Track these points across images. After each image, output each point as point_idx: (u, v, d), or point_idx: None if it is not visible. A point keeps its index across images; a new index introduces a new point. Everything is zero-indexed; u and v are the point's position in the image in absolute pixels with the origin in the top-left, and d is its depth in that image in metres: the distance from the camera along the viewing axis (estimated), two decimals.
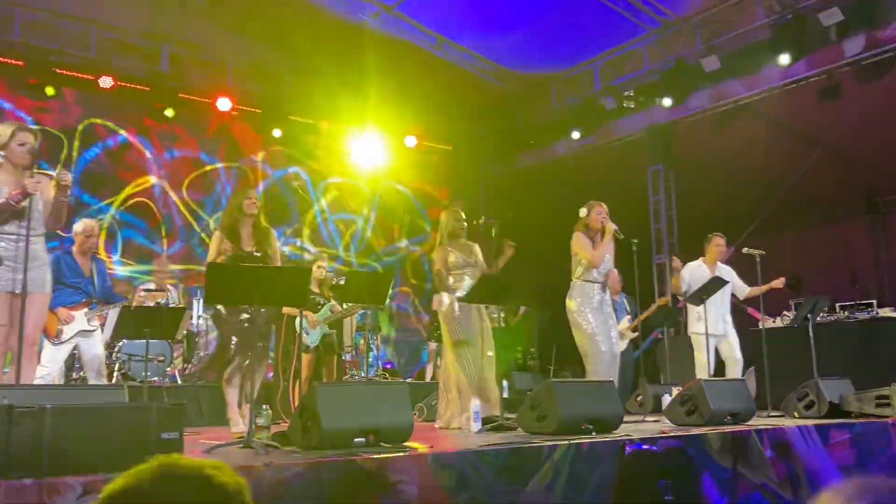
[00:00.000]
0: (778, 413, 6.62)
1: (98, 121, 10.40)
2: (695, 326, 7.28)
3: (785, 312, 8.52)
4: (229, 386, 5.29)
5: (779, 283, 7.32)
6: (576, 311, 6.14)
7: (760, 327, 7.61)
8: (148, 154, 10.79)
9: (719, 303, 7.25)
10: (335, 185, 12.43)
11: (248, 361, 5.20)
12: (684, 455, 4.44)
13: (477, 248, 6.30)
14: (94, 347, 6.05)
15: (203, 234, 10.87)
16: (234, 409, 5.31)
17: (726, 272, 7.50)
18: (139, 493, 1.15)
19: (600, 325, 6.10)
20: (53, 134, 9.90)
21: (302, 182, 11.73)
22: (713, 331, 7.12)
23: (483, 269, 6.17)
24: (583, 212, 6.27)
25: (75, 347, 6.04)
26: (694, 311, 7.32)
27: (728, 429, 4.99)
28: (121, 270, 10.07)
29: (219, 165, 11.38)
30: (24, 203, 4.29)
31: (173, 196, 10.91)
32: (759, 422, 5.73)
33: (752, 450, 4.74)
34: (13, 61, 9.61)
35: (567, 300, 6.23)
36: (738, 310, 8.11)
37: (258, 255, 5.30)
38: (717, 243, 7.58)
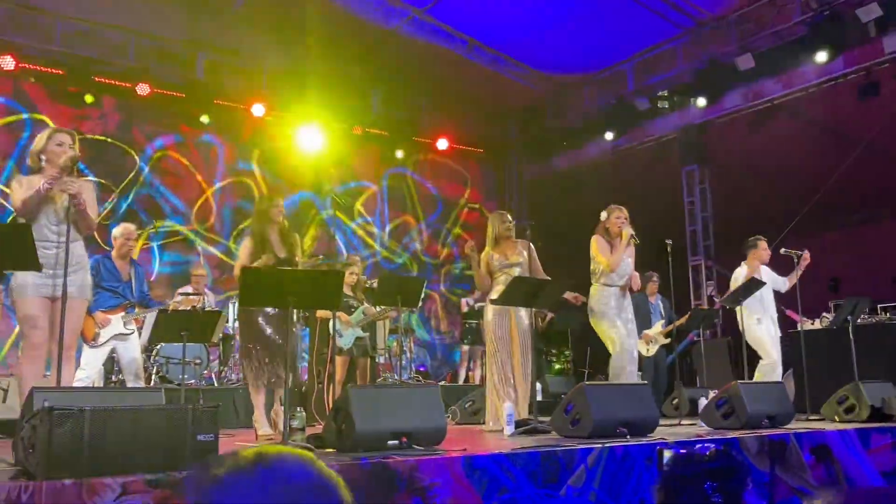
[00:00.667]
0: (817, 417, 6.50)
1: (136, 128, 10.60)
2: (754, 330, 7.17)
3: (824, 314, 8.36)
4: (255, 389, 5.35)
5: (805, 258, 7.17)
6: (595, 315, 6.26)
7: (799, 329, 7.49)
8: (185, 160, 10.95)
9: (769, 303, 7.18)
10: (368, 190, 12.49)
11: (272, 365, 5.26)
12: (731, 458, 4.38)
13: (526, 247, 6.24)
14: (132, 351, 6.14)
15: (231, 243, 10.99)
16: (260, 411, 5.37)
17: (765, 273, 7.41)
18: (244, 479, 1.15)
19: (620, 328, 6.19)
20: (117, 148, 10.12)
21: (341, 195, 11.81)
22: (773, 333, 7.08)
23: (533, 270, 6.12)
24: (603, 215, 6.34)
25: (113, 350, 6.14)
26: (752, 315, 7.20)
27: (766, 432, 4.91)
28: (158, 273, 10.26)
29: (254, 170, 11.49)
30: (52, 192, 4.32)
31: (211, 201, 11.05)
32: (798, 425, 5.64)
33: (791, 454, 4.66)
34: (54, 70, 9.84)
35: (588, 303, 6.30)
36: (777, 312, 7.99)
37: (286, 259, 5.38)
38: (763, 247, 7.46)
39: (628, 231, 6.17)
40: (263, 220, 5.52)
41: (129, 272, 6.23)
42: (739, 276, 7.40)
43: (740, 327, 7.29)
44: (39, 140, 4.52)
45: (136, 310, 6.17)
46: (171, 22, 10.69)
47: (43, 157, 4.46)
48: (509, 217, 6.28)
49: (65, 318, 4.15)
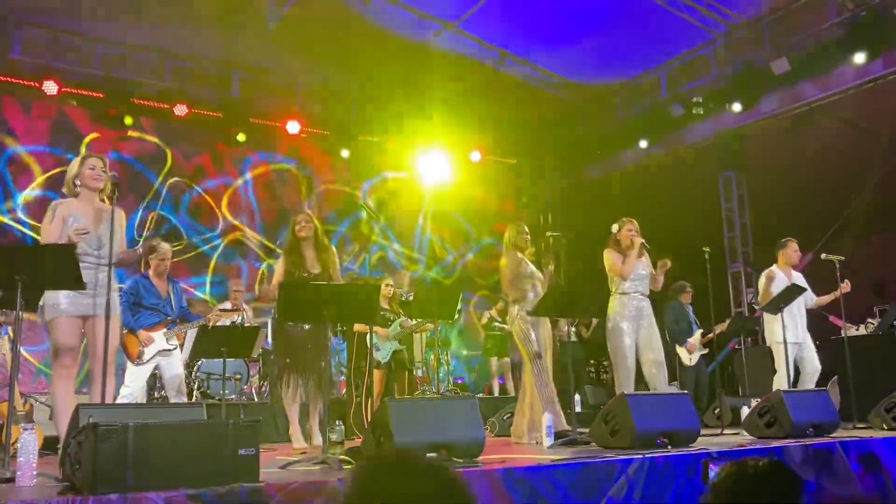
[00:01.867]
0: (864, 425, 6.36)
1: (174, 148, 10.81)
2: (778, 336, 7.03)
3: (868, 320, 8.20)
4: (288, 403, 5.39)
5: (845, 287, 7.04)
6: (611, 325, 6.31)
7: (843, 335, 7.33)
8: (222, 178, 11.13)
9: (797, 310, 7.03)
10: (401, 202, 12.55)
11: (306, 378, 5.29)
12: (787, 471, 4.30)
13: (540, 265, 6.30)
14: (174, 367, 6.23)
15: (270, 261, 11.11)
16: (295, 425, 5.40)
17: (800, 280, 7.26)
18: (381, 481, 1.21)
19: (633, 338, 6.22)
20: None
21: (369, 207, 11.87)
22: (794, 339, 6.90)
23: (549, 282, 6.20)
24: (614, 228, 6.47)
25: (156, 367, 6.23)
26: (778, 321, 7.06)
27: (811, 441, 4.81)
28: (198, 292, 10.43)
29: (290, 186, 11.63)
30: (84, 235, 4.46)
31: (247, 218, 11.21)
32: (844, 434, 5.52)
33: (838, 463, 4.56)
34: (94, 94, 10.08)
35: (608, 313, 6.36)
36: (818, 317, 7.84)
37: (320, 276, 5.40)
38: (793, 248, 7.34)
39: (639, 240, 6.30)
40: (291, 237, 5.58)
41: (167, 289, 6.33)
42: (764, 279, 7.27)
43: (765, 332, 7.20)
44: (73, 166, 4.67)
45: (178, 325, 6.26)
46: (206, 42, 10.88)
47: (77, 181, 4.61)
48: (526, 229, 6.35)
49: (95, 337, 4.36)
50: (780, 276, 7.23)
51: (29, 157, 9.87)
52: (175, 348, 6.25)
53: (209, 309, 7.41)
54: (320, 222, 5.74)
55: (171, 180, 10.70)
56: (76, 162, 4.67)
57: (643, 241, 6.33)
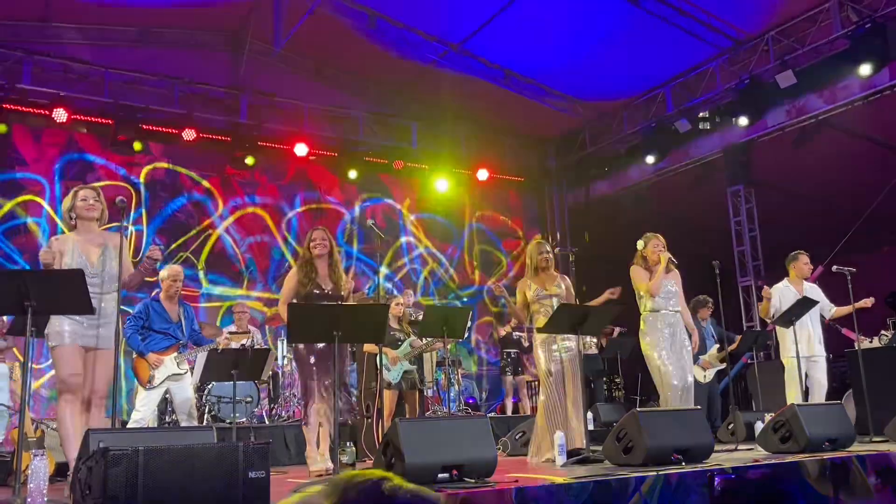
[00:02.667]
0: (881, 438, 6.28)
1: (182, 170, 10.87)
2: (791, 350, 6.96)
3: (882, 332, 8.12)
4: (306, 424, 5.34)
5: (867, 302, 6.97)
6: (646, 343, 6.19)
7: (856, 348, 7.26)
8: (230, 201, 11.18)
9: (809, 323, 6.96)
10: (410, 223, 12.58)
11: (323, 400, 5.24)
12: (781, 483, 4.25)
13: (564, 280, 6.23)
14: (185, 391, 6.22)
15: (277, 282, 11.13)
16: (312, 447, 5.34)
17: (814, 292, 7.20)
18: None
19: (672, 356, 6.06)
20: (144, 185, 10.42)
21: (377, 228, 11.88)
22: (806, 353, 6.84)
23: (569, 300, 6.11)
24: (640, 244, 6.35)
25: (167, 391, 6.22)
26: (788, 335, 7.00)
27: (827, 455, 4.75)
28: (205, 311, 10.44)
29: (298, 208, 11.68)
30: (87, 248, 4.57)
31: (254, 239, 11.25)
32: (861, 448, 5.45)
33: (855, 477, 4.50)
34: (103, 120, 10.18)
35: (640, 333, 6.26)
36: (832, 330, 7.77)
37: (332, 293, 5.36)
38: (804, 261, 7.29)
39: (666, 255, 6.17)
40: (306, 254, 5.53)
41: (178, 313, 6.33)
42: (778, 292, 7.21)
43: (779, 346, 7.13)
44: (66, 200, 4.77)
45: (189, 349, 6.26)
46: (213, 68, 11.01)
47: (73, 214, 4.70)
48: (547, 247, 6.26)
49: (95, 370, 4.47)
50: (788, 290, 7.17)
51: (38, 184, 9.95)
52: (186, 372, 6.24)
53: (219, 332, 7.40)
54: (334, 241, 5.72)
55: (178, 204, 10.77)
56: (69, 196, 4.77)
57: (670, 256, 6.19)
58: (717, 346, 8.45)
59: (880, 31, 8.70)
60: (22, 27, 9.73)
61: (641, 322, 6.23)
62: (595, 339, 10.04)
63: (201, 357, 6.31)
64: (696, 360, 8.34)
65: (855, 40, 8.95)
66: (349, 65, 11.47)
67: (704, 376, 8.34)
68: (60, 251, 4.57)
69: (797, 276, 7.26)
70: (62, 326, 4.47)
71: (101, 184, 9.96)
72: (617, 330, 10.24)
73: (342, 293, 5.43)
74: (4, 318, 6.86)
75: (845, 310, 7.09)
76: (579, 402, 5.85)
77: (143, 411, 6.08)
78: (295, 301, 5.27)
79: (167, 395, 6.38)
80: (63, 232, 4.92)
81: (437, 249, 12.73)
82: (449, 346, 9.08)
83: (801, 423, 5.20)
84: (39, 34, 9.84)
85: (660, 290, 6.14)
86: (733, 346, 8.20)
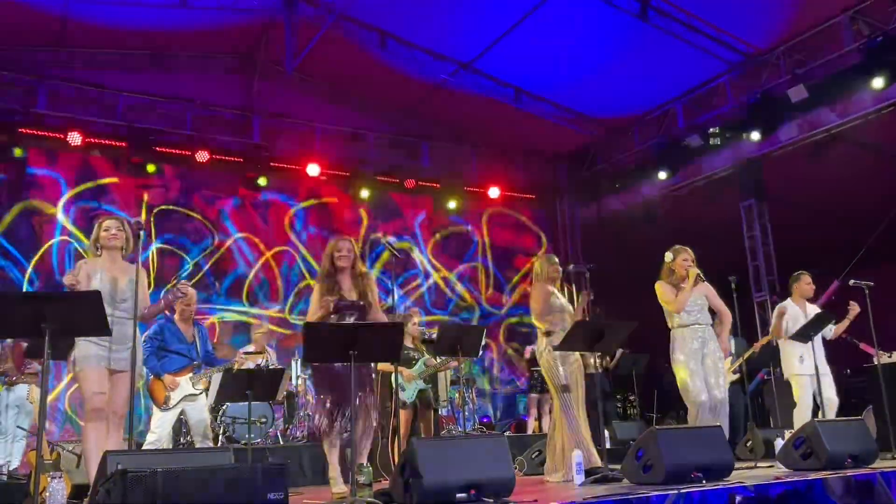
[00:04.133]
0: None
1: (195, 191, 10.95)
2: (796, 368, 6.87)
3: None
4: (328, 445, 5.25)
5: (854, 309, 6.88)
6: (675, 358, 6.05)
7: (875, 363, 7.17)
8: (243, 222, 11.23)
9: (812, 341, 6.85)
10: (422, 241, 12.58)
11: (344, 420, 5.14)
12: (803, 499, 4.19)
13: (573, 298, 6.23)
14: (200, 412, 6.21)
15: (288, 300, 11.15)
16: (335, 468, 5.24)
17: (815, 312, 7.12)
18: None
19: (700, 371, 5.92)
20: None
21: (390, 245, 11.88)
22: (809, 371, 6.73)
23: (582, 314, 6.08)
24: (668, 256, 6.18)
25: (182, 412, 6.21)
26: (794, 353, 6.91)
27: (850, 472, 4.69)
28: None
29: (311, 227, 11.71)
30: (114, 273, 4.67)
31: (270, 260, 11.27)
32: (884, 464, 5.38)
33: (880, 494, 4.44)
34: (117, 143, 10.27)
35: (670, 349, 6.13)
36: (848, 346, 7.70)
37: (360, 303, 5.23)
38: (806, 281, 7.19)
39: (694, 271, 6.01)
40: (328, 266, 5.37)
41: (192, 333, 6.34)
42: (776, 313, 7.14)
43: (782, 364, 7.02)
44: (94, 232, 4.94)
45: (203, 369, 6.25)
46: (225, 90, 11.10)
47: (98, 244, 4.87)
48: (556, 259, 6.23)
49: (115, 391, 4.61)
50: (793, 309, 7.09)
51: (53, 208, 10.02)
52: (201, 393, 6.23)
53: (234, 352, 7.39)
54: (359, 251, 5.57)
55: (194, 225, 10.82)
56: (96, 227, 4.93)
57: (699, 272, 6.00)
58: (730, 358, 8.37)
59: (892, 44, 8.67)
60: (37, 52, 9.86)
61: (671, 338, 6.10)
62: (599, 360, 9.96)
63: (216, 377, 6.31)
64: None
65: (867, 53, 8.92)
66: (360, 85, 11.54)
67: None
68: (88, 275, 4.69)
69: (800, 296, 7.16)
70: (88, 350, 4.57)
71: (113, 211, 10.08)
72: (620, 351, 10.16)
73: (369, 300, 5.28)
74: (23, 343, 6.92)
75: (842, 326, 6.99)
76: (595, 420, 5.81)
77: (159, 433, 6.07)
78: (311, 320, 5.20)
79: (182, 417, 6.37)
80: (85, 256, 5.06)
81: (449, 268, 12.72)
82: (463, 365, 9.04)
83: (821, 440, 5.14)
84: (54, 58, 9.96)
85: (686, 305, 6.02)
86: (747, 354, 8.14)
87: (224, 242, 10.99)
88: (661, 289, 6.13)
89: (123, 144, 10.28)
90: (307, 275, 11.44)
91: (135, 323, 4.61)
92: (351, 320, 5.07)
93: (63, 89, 9.96)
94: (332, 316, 5.10)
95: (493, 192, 12.73)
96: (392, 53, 10.59)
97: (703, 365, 5.96)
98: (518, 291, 12.86)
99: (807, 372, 6.69)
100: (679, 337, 6.04)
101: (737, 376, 8.35)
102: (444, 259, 12.69)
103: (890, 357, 7.89)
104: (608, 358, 10.35)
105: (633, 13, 9.44)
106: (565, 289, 6.52)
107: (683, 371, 5.95)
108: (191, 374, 6.15)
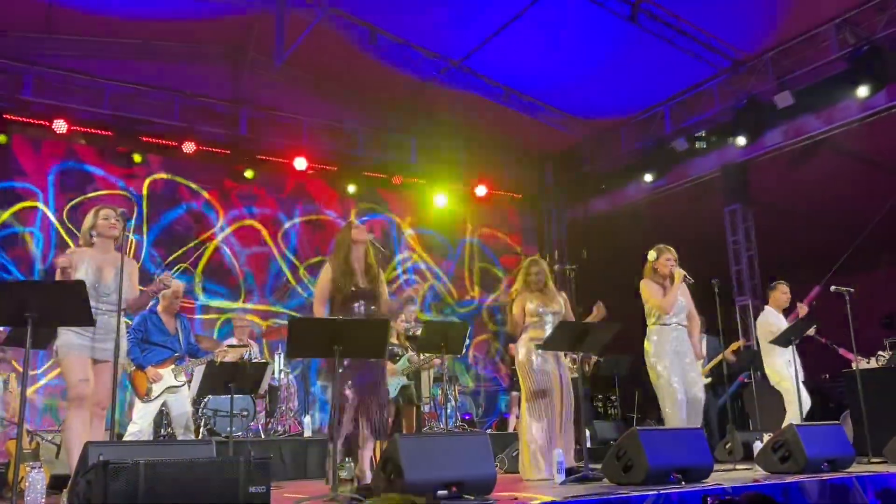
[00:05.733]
0: (880, 459, 6.27)
1: (181, 180, 10.86)
2: (786, 374, 6.93)
3: (880, 353, 8.13)
4: (334, 441, 5.07)
5: (802, 308, 6.96)
6: (652, 355, 6.01)
7: (854, 368, 7.26)
8: (229, 214, 11.18)
9: (789, 347, 6.93)
10: (409, 238, 12.58)
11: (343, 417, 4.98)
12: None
13: (562, 297, 6.22)
14: (182, 405, 6.20)
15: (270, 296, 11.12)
16: (363, 469, 4.94)
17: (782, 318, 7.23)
18: None
19: (677, 369, 5.93)
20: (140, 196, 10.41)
21: (375, 243, 11.86)
22: (789, 374, 6.82)
23: (567, 318, 6.08)
24: (651, 255, 6.15)
25: (164, 404, 6.20)
26: (779, 359, 6.98)
27: (826, 476, 4.75)
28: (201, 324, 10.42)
29: (296, 221, 11.67)
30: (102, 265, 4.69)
31: (252, 252, 11.23)
32: (860, 468, 5.45)
33: (855, 498, 4.50)
34: (103, 132, 10.20)
35: (645, 344, 6.11)
36: (828, 351, 7.78)
37: (371, 291, 5.05)
38: (782, 290, 7.27)
39: (680, 272, 6.00)
40: (345, 247, 5.12)
41: (175, 326, 6.32)
42: (762, 322, 7.21)
43: (766, 370, 7.09)
44: (88, 219, 4.90)
45: (186, 361, 6.24)
46: (213, 81, 11.03)
47: (94, 232, 4.84)
48: (543, 266, 6.18)
49: (98, 380, 4.55)
50: (773, 314, 7.17)
51: (36, 195, 9.93)
52: (183, 385, 6.22)
53: (217, 344, 7.37)
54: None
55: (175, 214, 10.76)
56: (90, 214, 4.90)
57: (685, 273, 5.98)
58: (702, 361, 8.43)
59: (878, 54, 8.77)
60: (23, 39, 9.75)
61: (648, 333, 6.09)
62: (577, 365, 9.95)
63: (199, 370, 6.30)
64: None
65: (853, 62, 9.02)
66: (350, 80, 11.51)
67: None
68: (75, 264, 4.66)
69: (776, 306, 7.24)
70: (70, 339, 4.54)
71: (98, 193, 9.99)
72: (594, 359, 10.11)
73: (380, 290, 5.12)
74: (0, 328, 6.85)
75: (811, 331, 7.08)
76: (570, 419, 5.84)
77: (140, 424, 6.06)
78: (320, 301, 5.07)
79: (163, 408, 6.36)
80: (71, 245, 5.03)
81: (435, 264, 12.73)
82: (446, 362, 9.05)
83: (800, 444, 5.19)
84: (41, 46, 9.85)
85: (673, 307, 6.00)
86: (717, 359, 8.22)
87: (209, 234, 10.94)
88: (648, 287, 6.09)
89: (109, 133, 10.21)
90: (293, 267, 11.41)
91: (118, 315, 4.59)
92: (361, 308, 5.01)
93: (49, 76, 9.86)
94: (352, 303, 4.95)
95: (481, 191, 12.75)
96: (383, 49, 10.58)
97: (681, 363, 5.97)
98: (502, 289, 12.88)
99: (791, 377, 6.76)
100: (658, 336, 6.02)
101: (709, 380, 8.41)
102: (428, 256, 12.69)
103: (868, 363, 7.99)
104: (586, 365, 10.37)
105: (624, 16, 9.48)
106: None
107: (659, 368, 5.93)
108: (173, 366, 6.13)
